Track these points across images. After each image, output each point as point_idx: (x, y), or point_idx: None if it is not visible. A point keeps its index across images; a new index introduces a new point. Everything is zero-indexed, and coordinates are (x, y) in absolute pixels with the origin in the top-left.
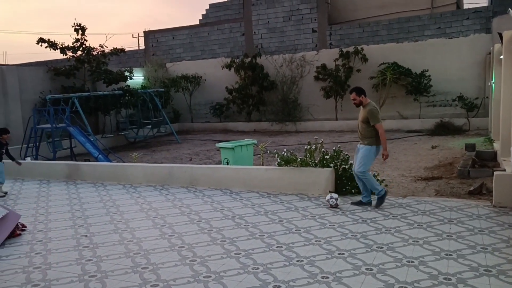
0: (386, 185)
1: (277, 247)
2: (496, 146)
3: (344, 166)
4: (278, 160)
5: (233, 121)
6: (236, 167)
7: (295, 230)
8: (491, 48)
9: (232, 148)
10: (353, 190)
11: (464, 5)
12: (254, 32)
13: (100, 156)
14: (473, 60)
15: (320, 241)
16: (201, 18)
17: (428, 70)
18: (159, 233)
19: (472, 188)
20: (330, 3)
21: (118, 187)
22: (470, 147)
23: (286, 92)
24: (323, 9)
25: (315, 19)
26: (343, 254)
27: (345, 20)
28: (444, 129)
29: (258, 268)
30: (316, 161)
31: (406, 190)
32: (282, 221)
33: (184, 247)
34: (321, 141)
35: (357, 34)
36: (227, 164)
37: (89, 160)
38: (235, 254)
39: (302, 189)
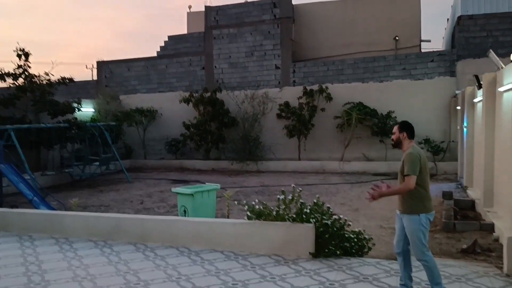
0: (373, 244)
1: None
2: (471, 193)
3: (326, 221)
4: (248, 214)
5: (189, 159)
6: (197, 219)
7: None
8: (456, 91)
9: (192, 195)
10: (337, 252)
11: (422, 49)
12: (215, 67)
13: (35, 198)
14: (438, 103)
15: None
16: (159, 50)
17: (394, 111)
18: None
19: (465, 247)
20: (294, 40)
21: (50, 242)
22: (447, 195)
23: (247, 130)
24: (287, 45)
25: (279, 56)
26: None
27: (309, 58)
28: None
29: None
30: (291, 214)
31: (390, 246)
32: None
33: None
34: (299, 190)
35: (321, 72)
36: (185, 213)
37: (16, 206)
38: None
39: (277, 248)
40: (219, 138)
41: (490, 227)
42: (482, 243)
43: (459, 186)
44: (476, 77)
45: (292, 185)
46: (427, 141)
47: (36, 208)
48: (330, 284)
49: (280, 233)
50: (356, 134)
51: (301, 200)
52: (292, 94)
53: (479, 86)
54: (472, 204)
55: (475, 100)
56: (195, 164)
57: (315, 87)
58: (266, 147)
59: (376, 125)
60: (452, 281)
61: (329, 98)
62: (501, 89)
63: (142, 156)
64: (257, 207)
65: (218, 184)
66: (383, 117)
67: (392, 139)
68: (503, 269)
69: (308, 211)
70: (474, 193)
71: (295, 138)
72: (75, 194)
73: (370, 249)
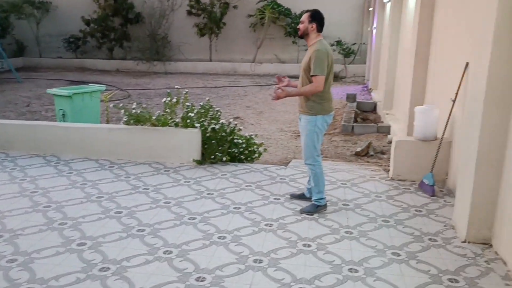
0: (265, 149)
1: (102, 268)
2: (375, 96)
3: (214, 126)
4: (125, 118)
5: (92, 58)
6: (67, 124)
7: (136, 231)
8: None
9: (70, 96)
10: (224, 158)
11: None
12: None
13: None
14: (352, 3)
15: (171, 252)
16: None
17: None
18: None
19: (359, 149)
20: None
21: None
22: (350, 98)
23: (154, 27)
24: None
25: None
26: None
27: None
28: None
29: None
30: (177, 119)
31: (287, 150)
32: (121, 212)
33: None
34: (185, 92)
35: None
36: (63, 118)
37: None
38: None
39: (159, 156)
40: (123, 36)
41: (387, 130)
42: (377, 146)
43: (365, 89)
44: None
45: (177, 86)
46: (339, 42)
47: None
48: (208, 193)
49: (162, 139)
50: (269, 35)
51: (188, 103)
52: None
53: None
54: (374, 106)
55: (385, 0)
56: (97, 64)
57: None
58: (175, 47)
59: (289, 25)
60: (338, 186)
61: None
62: None
63: (37, 54)
64: (134, 110)
65: (102, 86)
66: (297, 17)
67: (299, 28)
68: (389, 173)
69: (193, 115)
70: (377, 96)
71: (206, 37)
72: None
73: (260, 154)
